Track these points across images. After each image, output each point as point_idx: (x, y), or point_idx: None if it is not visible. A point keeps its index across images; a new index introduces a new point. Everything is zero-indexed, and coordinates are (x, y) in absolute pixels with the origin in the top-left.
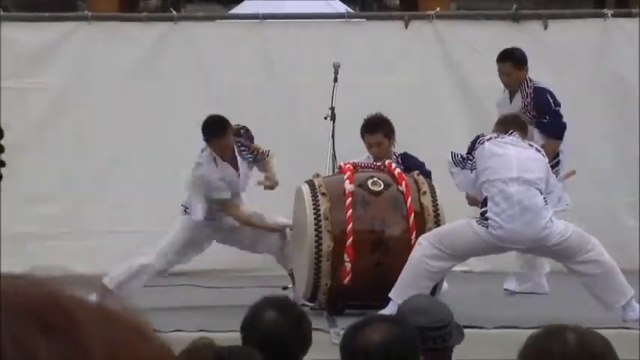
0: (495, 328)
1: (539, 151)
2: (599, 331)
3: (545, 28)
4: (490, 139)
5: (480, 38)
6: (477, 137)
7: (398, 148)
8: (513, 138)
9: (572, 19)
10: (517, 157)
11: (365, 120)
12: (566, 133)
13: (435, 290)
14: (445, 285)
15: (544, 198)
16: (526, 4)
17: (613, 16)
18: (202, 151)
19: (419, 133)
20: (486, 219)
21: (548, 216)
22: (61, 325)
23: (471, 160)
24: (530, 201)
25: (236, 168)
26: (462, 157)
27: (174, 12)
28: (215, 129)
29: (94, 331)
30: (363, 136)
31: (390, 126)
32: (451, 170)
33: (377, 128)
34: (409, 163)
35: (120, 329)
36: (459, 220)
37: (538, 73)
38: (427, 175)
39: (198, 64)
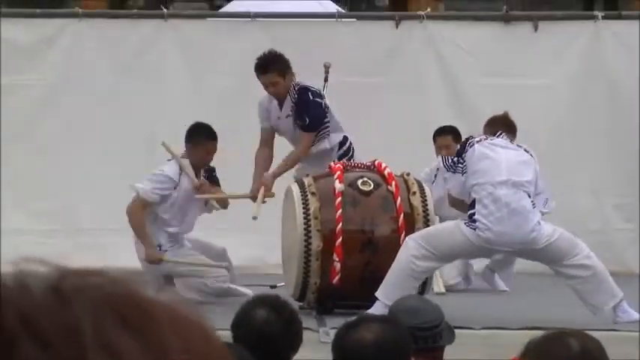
0: (483, 328)
1: (527, 151)
2: (595, 333)
3: (536, 29)
4: (480, 141)
5: (470, 39)
6: (467, 140)
7: (387, 147)
8: (502, 140)
9: (562, 21)
10: (506, 159)
11: (256, 60)
12: (556, 134)
13: (423, 289)
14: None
15: (532, 201)
16: (515, 6)
17: (603, 18)
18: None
19: (408, 132)
20: (474, 221)
21: (535, 219)
22: (140, 322)
23: (462, 164)
24: (518, 204)
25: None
26: (452, 161)
27: (164, 9)
28: (205, 132)
29: (169, 329)
30: (258, 77)
31: (282, 62)
32: (444, 176)
33: (269, 68)
34: (302, 97)
35: (190, 328)
36: (447, 222)
37: (528, 74)
38: (315, 122)
39: (188, 62)
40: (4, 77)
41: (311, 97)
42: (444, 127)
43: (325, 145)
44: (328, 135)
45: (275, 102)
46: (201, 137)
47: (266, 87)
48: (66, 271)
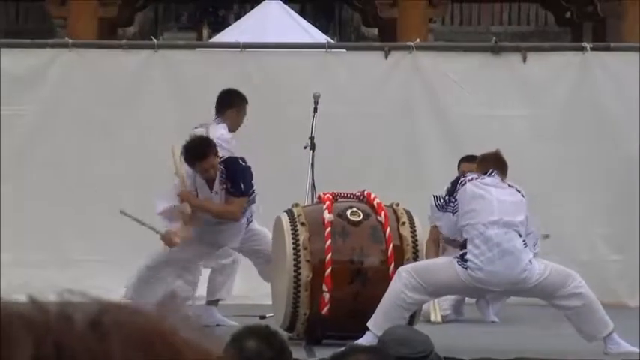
0: (472, 359)
1: (519, 191)
2: None
3: (524, 60)
4: (471, 180)
5: (459, 70)
6: (458, 178)
7: (376, 177)
8: (493, 179)
9: (551, 52)
10: (498, 199)
11: (189, 148)
12: (544, 164)
13: (412, 320)
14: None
15: (523, 240)
16: (504, 37)
17: (592, 49)
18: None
19: (397, 162)
20: (466, 260)
21: (527, 258)
22: (168, 359)
23: (453, 203)
24: (509, 243)
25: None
26: (444, 200)
27: (154, 40)
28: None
29: None
30: (192, 166)
31: (212, 144)
32: (435, 215)
33: (209, 152)
34: (233, 167)
35: None
36: (441, 257)
37: (516, 106)
38: (248, 186)
39: (178, 93)
40: None
41: (242, 164)
42: (470, 155)
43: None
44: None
45: (201, 185)
46: (242, 101)
47: (205, 172)
48: (107, 306)
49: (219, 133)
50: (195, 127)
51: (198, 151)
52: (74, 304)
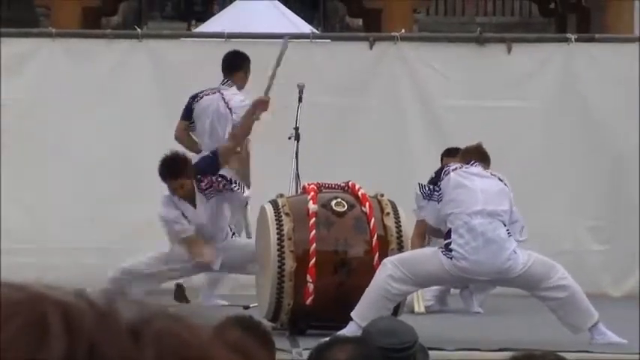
0: (457, 350)
1: (501, 180)
2: (569, 354)
3: (509, 51)
4: (455, 169)
5: (444, 61)
6: (442, 167)
7: (361, 168)
8: (478, 169)
9: (535, 43)
10: (482, 189)
11: (165, 163)
12: (530, 156)
13: (397, 311)
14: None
15: (507, 230)
16: (488, 28)
17: (576, 40)
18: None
19: (382, 153)
20: (450, 250)
21: (511, 247)
22: None
23: (438, 192)
24: (494, 233)
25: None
26: (429, 188)
27: (139, 29)
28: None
29: None
30: (164, 180)
31: (189, 164)
32: (420, 204)
33: (179, 174)
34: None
35: None
36: (426, 248)
37: (501, 96)
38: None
39: (162, 82)
40: None
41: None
42: (452, 148)
43: None
44: None
45: (182, 206)
46: (248, 61)
47: (174, 190)
48: (153, 314)
49: (238, 99)
50: (206, 94)
51: (172, 168)
52: (120, 304)
